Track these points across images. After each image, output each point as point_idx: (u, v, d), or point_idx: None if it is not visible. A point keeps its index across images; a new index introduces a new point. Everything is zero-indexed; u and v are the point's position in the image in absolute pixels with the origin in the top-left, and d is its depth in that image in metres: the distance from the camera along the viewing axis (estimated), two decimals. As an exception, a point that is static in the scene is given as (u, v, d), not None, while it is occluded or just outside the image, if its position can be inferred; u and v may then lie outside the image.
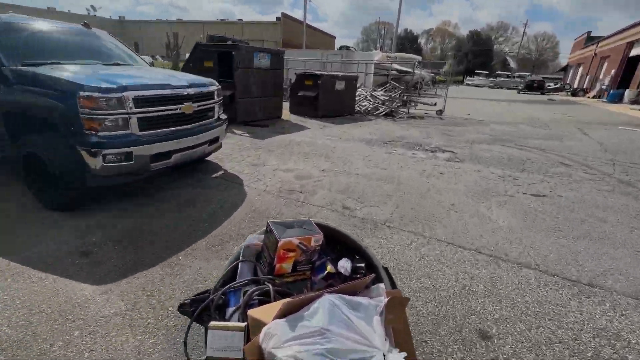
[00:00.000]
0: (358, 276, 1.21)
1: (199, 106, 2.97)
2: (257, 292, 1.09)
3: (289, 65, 12.52)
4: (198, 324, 1.14)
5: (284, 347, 0.86)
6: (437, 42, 63.54)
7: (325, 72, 9.63)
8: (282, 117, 8.19)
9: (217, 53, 6.77)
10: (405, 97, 10.23)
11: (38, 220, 2.40)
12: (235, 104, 6.94)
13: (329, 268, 1.27)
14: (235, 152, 4.54)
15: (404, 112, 9.55)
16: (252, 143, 5.10)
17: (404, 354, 0.89)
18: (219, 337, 0.99)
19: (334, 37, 42.33)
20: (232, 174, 3.57)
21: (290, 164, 4.00)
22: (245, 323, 0.97)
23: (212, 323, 0.99)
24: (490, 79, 39.90)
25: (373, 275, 1.12)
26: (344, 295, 0.95)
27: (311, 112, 8.76)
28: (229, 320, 1.06)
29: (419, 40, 61.56)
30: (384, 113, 9.62)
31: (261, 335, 0.90)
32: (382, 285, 1.08)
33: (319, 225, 1.25)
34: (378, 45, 59.20)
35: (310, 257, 1.20)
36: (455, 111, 11.17)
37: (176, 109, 2.78)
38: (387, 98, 10.13)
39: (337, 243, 1.36)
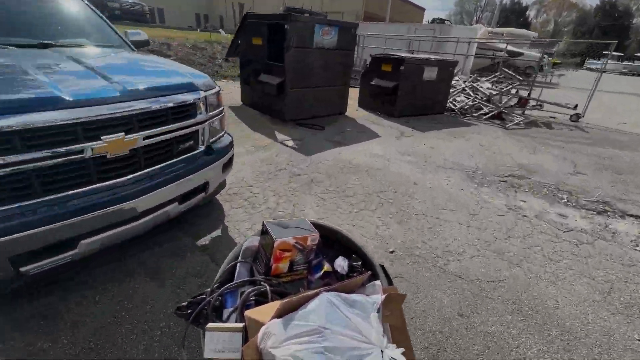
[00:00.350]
0: (355, 274, 1.25)
1: (148, 138, 1.73)
2: (254, 293, 1.13)
3: (366, 42, 9.89)
4: (195, 327, 1.15)
5: (282, 346, 0.90)
6: (550, 15, 53.32)
7: (411, 55, 7.72)
8: (347, 114, 6.86)
9: (266, 26, 5.46)
10: (529, 93, 7.88)
11: None
12: (284, 96, 5.57)
13: (326, 267, 1.31)
14: (259, 179, 3.34)
15: (518, 114, 7.26)
16: (291, 161, 3.87)
17: (402, 349, 0.92)
18: (216, 338, 1.02)
19: (424, 10, 37.66)
20: (232, 239, 2.36)
21: (336, 221, 2.63)
22: (243, 324, 1.02)
23: (210, 325, 1.03)
24: (625, 62, 33.20)
25: (369, 272, 1.19)
26: (341, 293, 1.00)
27: (386, 109, 7.21)
28: (226, 321, 1.11)
29: (527, 13, 52.02)
30: (489, 115, 7.34)
31: (259, 335, 0.96)
32: (378, 282, 1.12)
33: (315, 224, 1.34)
34: (475, 18, 51.66)
35: (306, 256, 1.26)
36: (596, 113, 8.28)
37: (81, 151, 1.51)
38: (496, 92, 7.76)
39: (334, 242, 1.43)
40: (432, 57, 6.95)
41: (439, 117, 6.98)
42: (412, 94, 6.61)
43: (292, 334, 0.90)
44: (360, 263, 1.31)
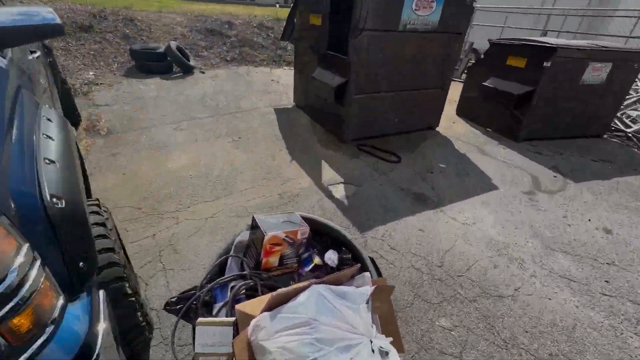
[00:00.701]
0: (345, 267, 1.38)
1: None
2: (244, 287, 1.30)
3: (476, 19, 6.50)
4: (186, 322, 1.34)
5: (273, 338, 1.02)
6: None
7: (564, 43, 4.73)
8: (438, 128, 4.92)
9: (329, -3, 4.84)
10: None
11: None
12: (345, 104, 4.03)
13: (316, 260, 1.45)
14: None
15: None
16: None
17: (390, 339, 1.08)
18: (207, 333, 1.12)
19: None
20: None
21: None
22: (234, 318, 1.18)
23: (200, 319, 1.18)
24: None
25: (359, 265, 1.33)
26: (331, 286, 1.16)
27: (503, 125, 4.92)
28: (216, 316, 1.27)
29: None
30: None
31: (250, 328, 1.11)
32: (367, 274, 1.30)
33: (305, 218, 1.52)
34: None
35: (297, 250, 1.43)
36: None
37: None
38: None
39: (324, 235, 1.66)
40: (609, 45, 4.31)
41: (596, 145, 5.17)
42: (555, 106, 4.92)
43: (282, 326, 1.03)
44: (350, 256, 1.45)
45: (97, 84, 5.91)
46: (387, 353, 1.03)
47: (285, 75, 7.73)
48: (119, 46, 7.60)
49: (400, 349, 1.14)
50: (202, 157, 3.90)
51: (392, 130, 4.70)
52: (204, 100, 5.74)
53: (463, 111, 5.66)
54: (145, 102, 5.50)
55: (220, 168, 3.70)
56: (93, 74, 6.38)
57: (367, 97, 4.20)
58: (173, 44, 7.11)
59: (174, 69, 7.22)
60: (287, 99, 6.00)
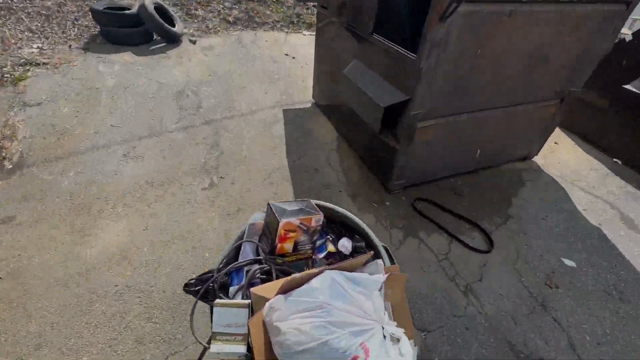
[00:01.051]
0: (358, 255, 1.53)
1: None
2: (259, 271, 1.44)
3: None
4: (204, 302, 1.51)
5: (287, 320, 1.11)
6: None
7: None
8: (536, 158, 3.36)
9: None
10: None
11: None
12: (398, 135, 2.26)
13: (330, 247, 1.60)
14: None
15: None
16: None
17: (403, 329, 1.20)
18: (224, 314, 1.23)
19: None
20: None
21: None
22: (249, 301, 1.33)
23: (217, 301, 1.32)
24: None
25: (372, 252, 1.56)
26: (345, 272, 1.29)
27: None
28: (232, 298, 1.42)
29: None
30: None
31: (265, 309, 1.23)
32: (380, 261, 1.44)
33: (320, 205, 1.66)
34: None
35: (311, 237, 1.56)
36: None
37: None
38: None
39: (338, 223, 1.82)
40: None
41: None
42: None
43: (296, 308, 1.10)
44: (363, 244, 1.58)
45: (39, 64, 4.16)
46: (398, 339, 1.07)
47: (305, 45, 5.87)
48: (84, 2, 5.57)
49: (410, 337, 1.19)
50: (148, 228, 2.43)
51: (467, 168, 3.21)
52: (184, 93, 4.14)
53: (570, 122, 3.81)
54: (98, 96, 3.88)
55: (169, 262, 2.21)
56: (38, 48, 4.59)
57: (438, 124, 2.52)
58: (149, 2, 5.08)
59: (154, 38, 5.39)
60: (305, 90, 4.53)
